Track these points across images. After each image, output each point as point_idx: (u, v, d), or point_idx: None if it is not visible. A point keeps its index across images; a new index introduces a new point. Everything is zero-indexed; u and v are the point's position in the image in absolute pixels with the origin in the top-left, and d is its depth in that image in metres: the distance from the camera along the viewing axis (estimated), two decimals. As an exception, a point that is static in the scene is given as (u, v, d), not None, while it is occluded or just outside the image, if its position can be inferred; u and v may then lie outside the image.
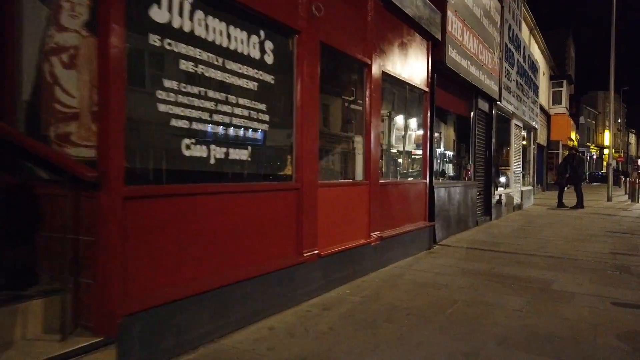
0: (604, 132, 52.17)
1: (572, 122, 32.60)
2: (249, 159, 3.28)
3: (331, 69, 4.72)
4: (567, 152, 16.12)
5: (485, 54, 9.01)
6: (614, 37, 18.87)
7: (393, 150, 6.60)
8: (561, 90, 27.24)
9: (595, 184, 40.21)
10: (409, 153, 6.97)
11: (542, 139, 25.19)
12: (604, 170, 50.40)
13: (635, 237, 8.09)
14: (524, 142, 16.73)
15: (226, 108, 3.06)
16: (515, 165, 13.34)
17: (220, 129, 3.03)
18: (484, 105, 9.73)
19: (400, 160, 7.09)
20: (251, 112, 3.29)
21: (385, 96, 6.15)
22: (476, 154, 9.40)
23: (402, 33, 5.70)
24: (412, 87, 6.21)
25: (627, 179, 27.54)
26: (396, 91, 6.09)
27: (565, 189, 14.57)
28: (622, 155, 52.18)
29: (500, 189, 11.92)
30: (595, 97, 50.82)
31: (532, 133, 17.01)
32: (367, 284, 4.42)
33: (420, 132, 6.77)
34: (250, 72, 3.28)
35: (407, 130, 6.64)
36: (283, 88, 3.69)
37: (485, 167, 10.14)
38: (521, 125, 13.93)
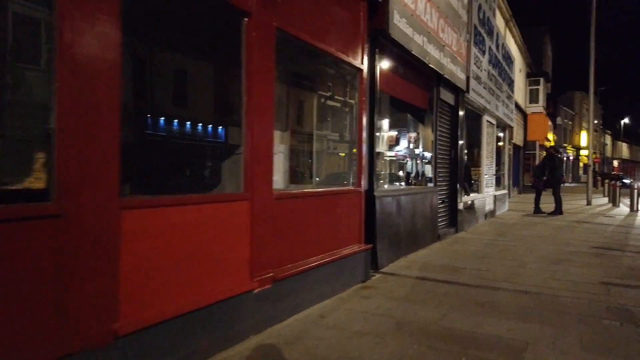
0: (580, 133, 51.75)
1: (549, 122, 31.64)
2: None
3: (187, 16, 3.04)
4: (544, 153, 14.82)
5: (449, 32, 7.44)
6: (593, 37, 17.69)
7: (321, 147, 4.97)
8: (538, 89, 26.14)
9: (573, 184, 39.41)
10: (349, 151, 5.35)
11: (518, 139, 23.98)
12: (582, 172, 49.96)
13: (626, 255, 6.62)
14: (500, 144, 15.33)
15: None
16: (488, 167, 11.87)
17: None
18: (448, 96, 8.17)
19: (336, 160, 5.46)
20: None
21: (294, 70, 4.51)
22: (438, 153, 7.83)
23: (318, -19, 4.05)
24: (338, 61, 4.56)
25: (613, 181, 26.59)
26: (312, 64, 4.46)
27: (543, 192, 13.19)
28: (598, 156, 51.84)
29: (471, 194, 10.41)
30: (572, 98, 50.24)
31: (507, 132, 15.62)
32: (229, 364, 2.74)
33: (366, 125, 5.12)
34: None
35: (332, 119, 5.01)
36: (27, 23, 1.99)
37: (450, 170, 8.58)
38: (494, 122, 12.48)
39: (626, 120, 71.73)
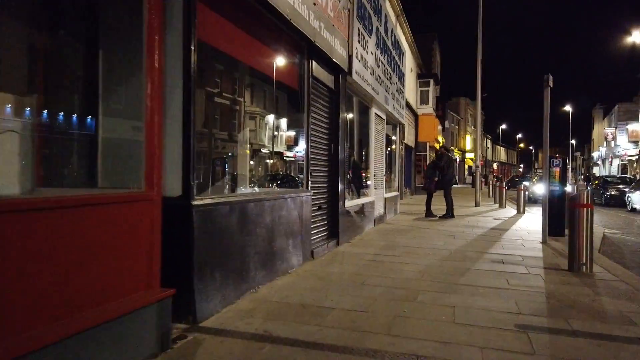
0: (465, 136, 54.78)
1: (439, 124, 32.28)
2: None
3: None
4: (434, 155, 14.14)
5: (323, -11, 5.74)
6: (480, 47, 17.53)
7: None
8: (428, 90, 26.25)
9: (459, 185, 41.03)
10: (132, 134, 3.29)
11: (410, 139, 23.69)
12: (467, 173, 52.81)
13: (530, 270, 5.43)
14: (394, 146, 14.30)
15: None
16: (377, 167, 10.53)
17: None
18: (324, 75, 6.50)
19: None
20: None
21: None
22: (312, 148, 6.10)
23: None
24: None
25: (489, 182, 27.45)
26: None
27: (434, 193, 12.27)
28: (482, 159, 55.29)
29: (357, 199, 8.92)
30: (458, 103, 52.93)
31: (398, 130, 14.62)
32: None
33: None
34: None
35: (125, 83, 3.01)
36: None
37: (329, 169, 6.92)
38: (384, 117, 11.22)
39: (504, 126, 78.26)
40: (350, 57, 7.17)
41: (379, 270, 5.34)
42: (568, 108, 59.16)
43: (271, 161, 9.93)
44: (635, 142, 37.20)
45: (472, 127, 50.87)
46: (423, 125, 25.66)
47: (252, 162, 8.47)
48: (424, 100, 26.11)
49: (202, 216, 3.42)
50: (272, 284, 4.56)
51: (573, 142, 68.13)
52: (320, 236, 6.48)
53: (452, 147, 46.11)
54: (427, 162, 24.00)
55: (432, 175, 12.11)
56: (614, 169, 46.88)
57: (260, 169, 9.54)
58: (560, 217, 8.56)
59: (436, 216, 11.68)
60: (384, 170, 11.51)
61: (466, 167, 53.81)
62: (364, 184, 9.92)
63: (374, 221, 9.74)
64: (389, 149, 14.40)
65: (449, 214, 11.65)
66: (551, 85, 7.73)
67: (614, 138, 46.59)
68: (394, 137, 14.16)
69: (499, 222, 11.08)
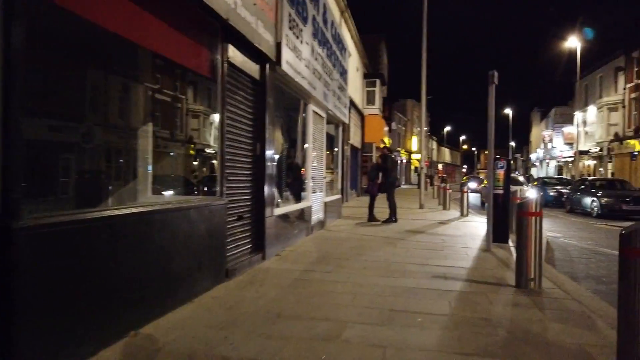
0: (411, 137, 55.40)
1: (385, 125, 32.12)
2: None
3: None
4: (378, 155, 13.60)
5: (238, -41, 4.82)
6: (424, 50, 17.10)
7: None
8: (374, 90, 25.87)
9: (405, 186, 41.29)
10: None
11: (356, 140, 23.19)
12: (413, 173, 53.42)
13: (476, 288, 4.79)
14: (340, 147, 13.57)
15: None
16: (316, 169, 9.73)
17: None
18: (246, 63, 5.58)
19: None
20: None
21: None
22: (228, 147, 5.17)
23: None
24: None
25: (434, 183, 27.50)
26: None
27: (377, 196, 11.65)
28: (427, 160, 56.15)
29: (290, 205, 8.08)
30: (405, 105, 53.34)
31: (342, 130, 13.92)
32: None
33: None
34: None
35: None
36: None
37: (254, 172, 6.01)
38: (324, 115, 10.44)
39: (448, 128, 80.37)
40: (278, 45, 6.29)
41: (303, 294, 4.50)
42: (508, 111, 61.48)
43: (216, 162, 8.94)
44: (571, 144, 38.82)
45: (418, 129, 51.49)
46: (369, 125, 25.26)
47: (195, 163, 7.42)
48: (370, 100, 25.71)
49: (37, 243, 2.42)
50: (162, 321, 3.60)
51: (513, 143, 70.91)
52: (241, 251, 5.56)
53: (398, 148, 46.36)
54: (373, 163, 23.64)
55: (375, 177, 11.52)
56: (550, 170, 48.95)
57: (205, 170, 8.50)
58: (505, 222, 8.12)
59: (379, 220, 11.07)
60: (324, 173, 10.73)
61: (412, 167, 54.44)
62: (304, 187, 9.10)
63: (312, 228, 8.92)
64: (336, 149, 13.70)
65: (392, 218, 11.07)
66: (496, 82, 7.25)
67: (551, 140, 48.64)
68: (338, 137, 13.45)
69: (443, 227, 10.60)
